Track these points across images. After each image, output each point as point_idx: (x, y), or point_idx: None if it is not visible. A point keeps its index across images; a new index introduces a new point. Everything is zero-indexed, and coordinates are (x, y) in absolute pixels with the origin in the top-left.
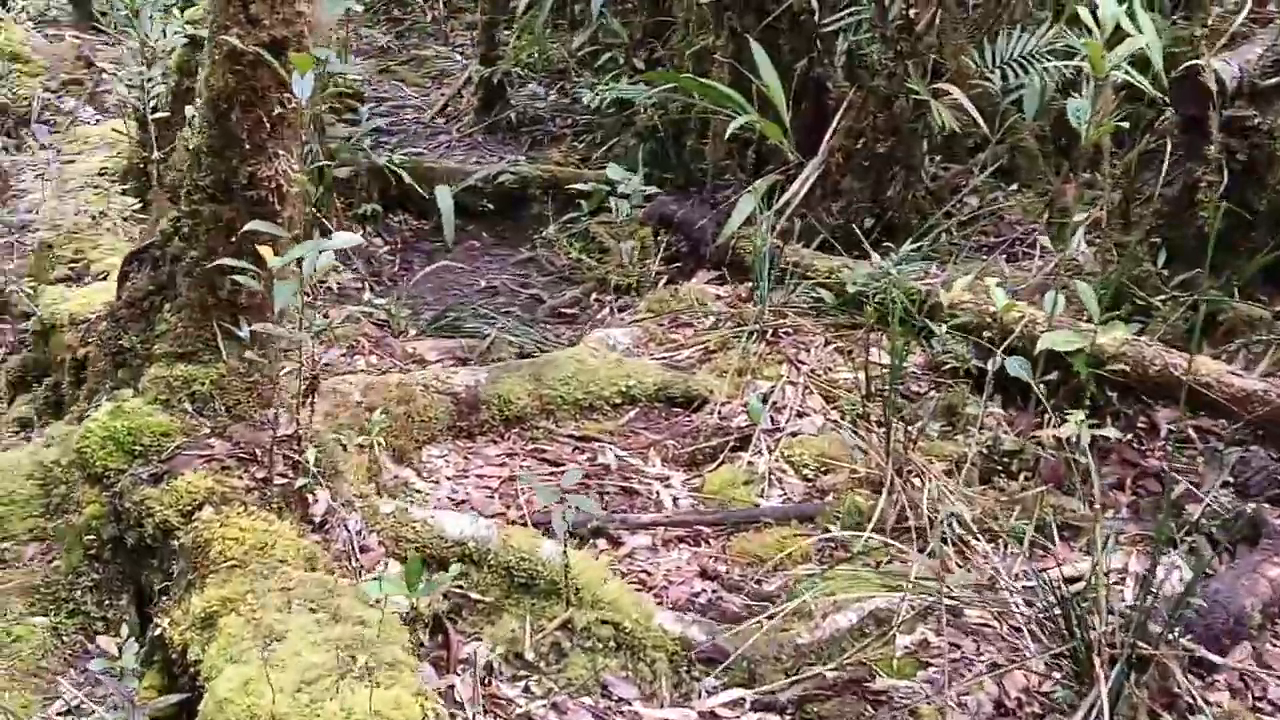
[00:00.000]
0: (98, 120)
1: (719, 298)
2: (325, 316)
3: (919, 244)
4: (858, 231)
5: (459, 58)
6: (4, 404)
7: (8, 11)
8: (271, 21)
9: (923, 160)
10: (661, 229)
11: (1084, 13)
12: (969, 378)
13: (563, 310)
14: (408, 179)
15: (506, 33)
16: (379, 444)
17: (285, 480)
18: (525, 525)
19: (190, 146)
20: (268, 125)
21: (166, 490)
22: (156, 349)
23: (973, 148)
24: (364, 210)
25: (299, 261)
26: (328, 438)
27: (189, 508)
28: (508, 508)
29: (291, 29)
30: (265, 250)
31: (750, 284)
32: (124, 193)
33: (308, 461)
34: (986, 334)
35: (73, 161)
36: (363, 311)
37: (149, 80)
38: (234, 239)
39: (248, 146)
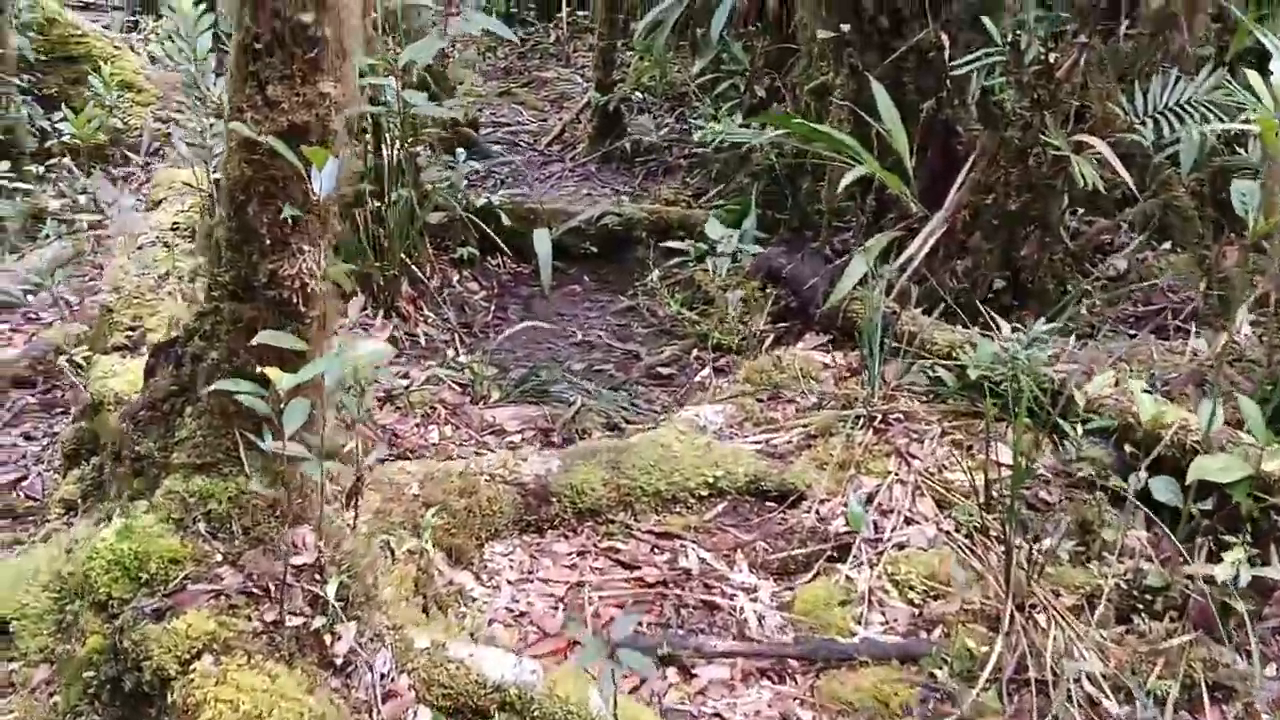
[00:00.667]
0: None
1: (826, 367)
2: (405, 377)
3: (1054, 318)
4: (985, 296)
5: (580, 80)
6: (59, 476)
7: (139, 32)
8: (291, 105)
9: (1061, 218)
10: (769, 283)
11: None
12: (1107, 487)
13: (660, 369)
14: (507, 220)
15: (630, 53)
16: (431, 549)
17: (302, 620)
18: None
19: (211, 236)
20: (289, 219)
21: (167, 631)
22: (175, 458)
23: (1120, 199)
24: (460, 254)
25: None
26: (364, 553)
27: (187, 655)
28: (571, 617)
29: (314, 112)
30: (273, 370)
31: (861, 353)
32: (191, 252)
33: (329, 595)
34: (1130, 439)
35: (156, 207)
36: (443, 374)
37: (212, 132)
38: (255, 342)
39: (268, 241)
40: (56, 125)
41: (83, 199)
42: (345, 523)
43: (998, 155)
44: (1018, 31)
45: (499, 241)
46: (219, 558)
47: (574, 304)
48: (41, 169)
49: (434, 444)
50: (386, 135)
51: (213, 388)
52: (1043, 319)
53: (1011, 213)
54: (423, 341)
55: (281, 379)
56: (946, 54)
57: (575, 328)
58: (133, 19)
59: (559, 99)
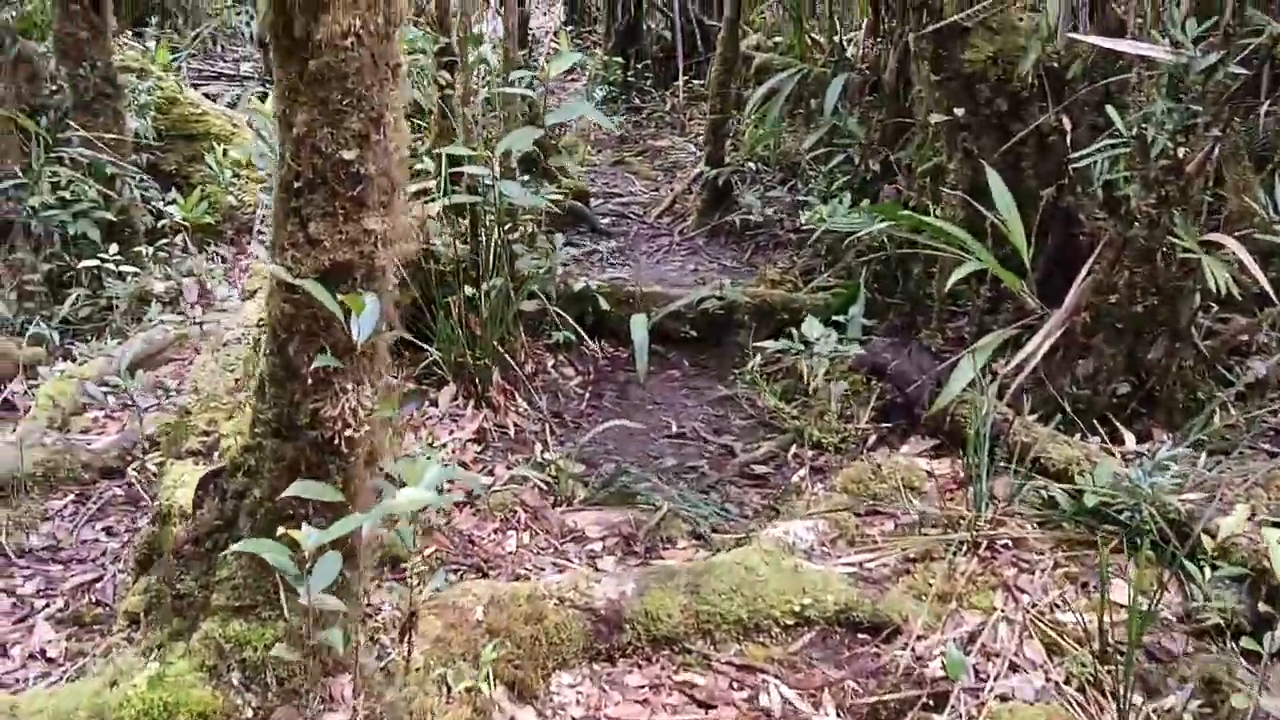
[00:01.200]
0: None
1: (930, 477)
2: (490, 474)
3: (1185, 430)
4: (1109, 404)
5: (694, 149)
6: (131, 581)
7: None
8: (333, 243)
9: (1192, 320)
10: (874, 376)
11: None
12: (1239, 640)
13: (755, 468)
14: (605, 305)
15: (745, 123)
16: (490, 686)
17: None
18: None
19: (254, 371)
20: (348, 352)
21: None
22: (215, 598)
23: (1259, 295)
24: (556, 339)
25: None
26: (413, 698)
27: None
28: None
29: (358, 250)
30: (298, 532)
31: (969, 465)
32: None
33: None
34: (1266, 588)
35: (250, 297)
36: (528, 474)
37: None
38: (288, 493)
39: (310, 381)
40: (168, 206)
41: (187, 281)
42: (399, 658)
43: (1121, 254)
44: (1143, 125)
45: (597, 324)
46: (250, 713)
47: (672, 391)
48: (152, 249)
49: (510, 553)
50: (484, 222)
51: (237, 547)
52: (1171, 432)
53: (1137, 315)
54: (512, 432)
55: (309, 537)
56: (1068, 139)
57: (670, 418)
58: (263, 90)
59: (672, 168)
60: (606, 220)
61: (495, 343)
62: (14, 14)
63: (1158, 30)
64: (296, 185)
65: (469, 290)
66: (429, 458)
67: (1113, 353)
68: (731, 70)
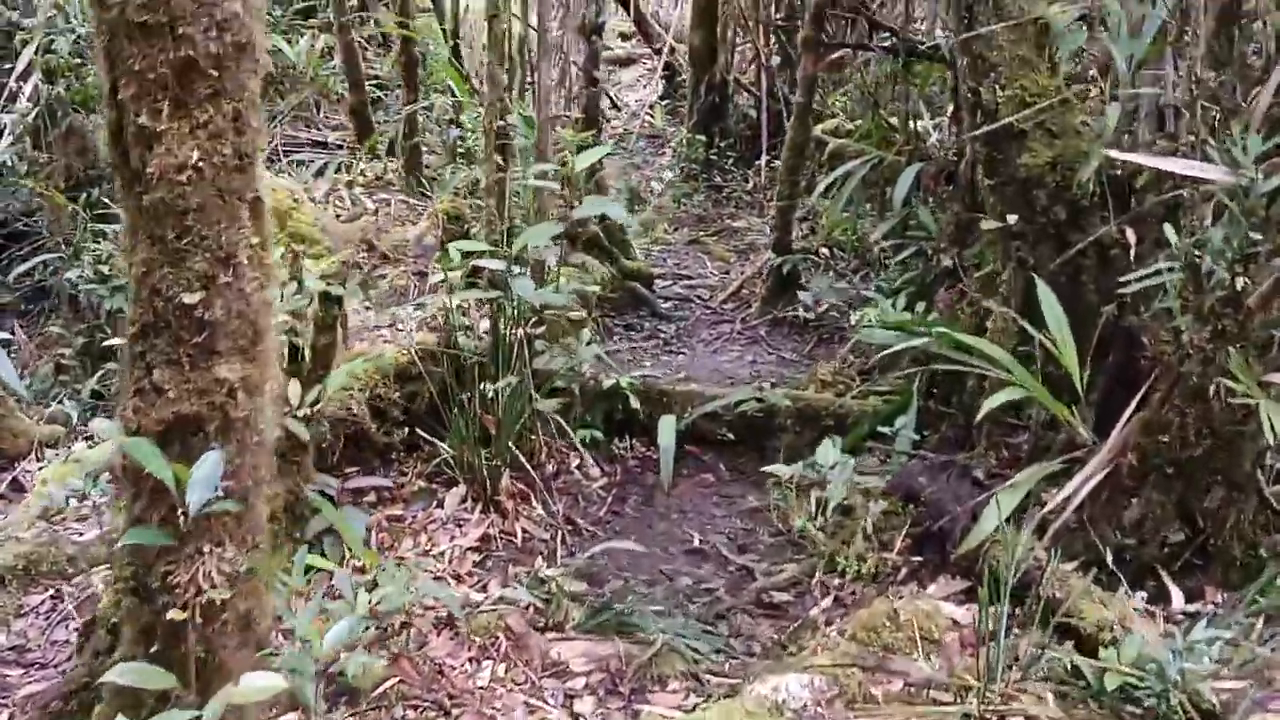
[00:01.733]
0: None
1: (955, 626)
2: (483, 589)
3: (1238, 599)
4: (1158, 554)
5: (770, 231)
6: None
7: (342, 172)
8: (179, 393)
9: (1255, 468)
10: (910, 501)
11: None
12: None
13: (774, 594)
14: (635, 403)
15: (820, 204)
16: None
17: None
18: None
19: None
20: (181, 518)
21: None
22: None
23: None
24: (583, 436)
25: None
26: None
27: None
28: None
29: (207, 401)
30: None
31: (998, 612)
32: None
33: None
34: None
35: None
36: (518, 596)
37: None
38: (152, 649)
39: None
40: None
41: None
42: None
43: (1173, 391)
44: (1197, 252)
45: (629, 421)
46: None
47: (701, 498)
48: None
49: (481, 688)
50: (505, 317)
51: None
52: (1226, 592)
53: (1190, 459)
54: (519, 540)
55: None
56: (1132, 253)
57: (694, 529)
58: (350, 160)
59: (747, 249)
60: (670, 304)
61: (511, 443)
62: (69, 87)
63: (1216, 145)
64: (140, 328)
65: (486, 386)
66: (407, 569)
67: (1162, 499)
68: (803, 154)
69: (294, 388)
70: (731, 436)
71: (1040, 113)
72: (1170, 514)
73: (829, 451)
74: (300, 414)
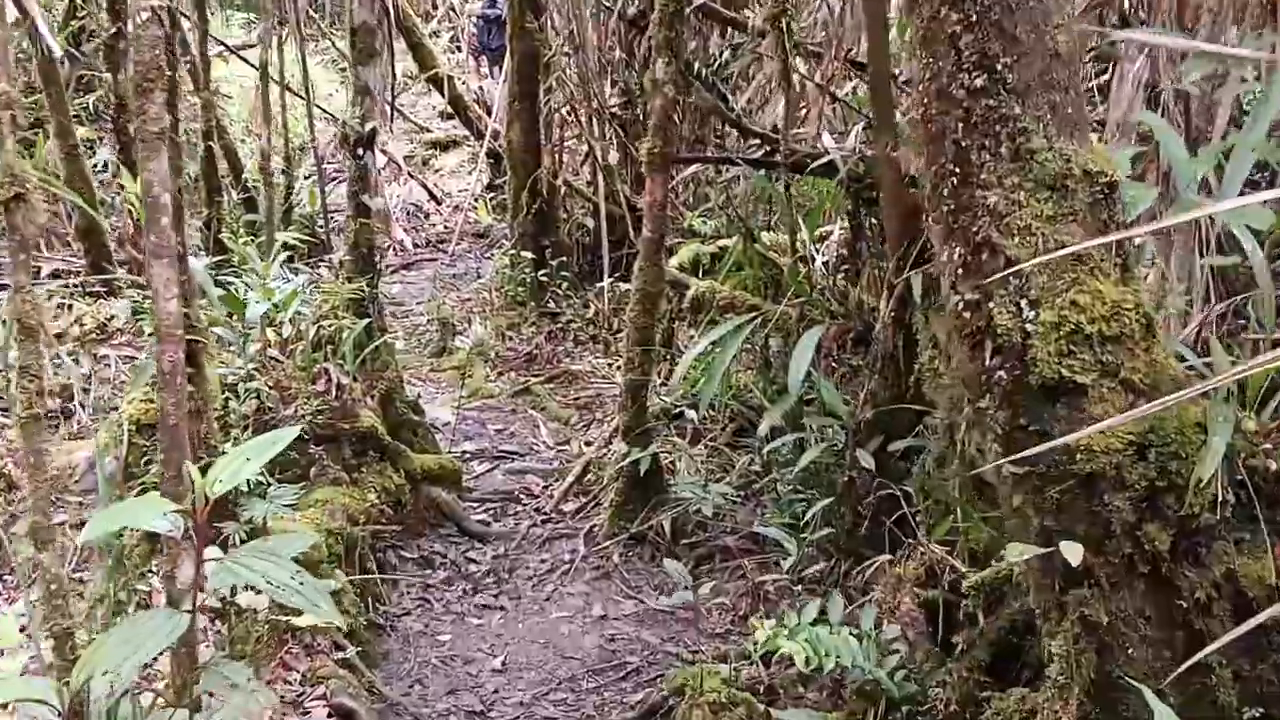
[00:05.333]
0: None
1: None
2: None
3: None
4: None
5: (620, 379)
6: None
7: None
8: None
9: None
10: None
11: None
12: None
13: None
14: None
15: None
16: None
17: None
18: None
19: None
20: None
21: None
22: None
23: None
24: None
25: None
26: None
27: None
28: None
29: None
30: None
31: None
32: None
33: None
34: None
35: None
36: None
37: None
38: None
39: None
40: None
41: None
42: None
43: None
44: None
45: None
46: None
47: None
48: None
49: None
50: None
51: None
52: None
53: None
54: None
55: None
56: None
57: None
58: None
59: (591, 403)
60: (486, 510)
61: None
62: None
63: None
64: None
65: None
66: None
67: None
68: (654, 309)
69: None
70: None
71: (1106, 355)
72: None
73: None
74: None
